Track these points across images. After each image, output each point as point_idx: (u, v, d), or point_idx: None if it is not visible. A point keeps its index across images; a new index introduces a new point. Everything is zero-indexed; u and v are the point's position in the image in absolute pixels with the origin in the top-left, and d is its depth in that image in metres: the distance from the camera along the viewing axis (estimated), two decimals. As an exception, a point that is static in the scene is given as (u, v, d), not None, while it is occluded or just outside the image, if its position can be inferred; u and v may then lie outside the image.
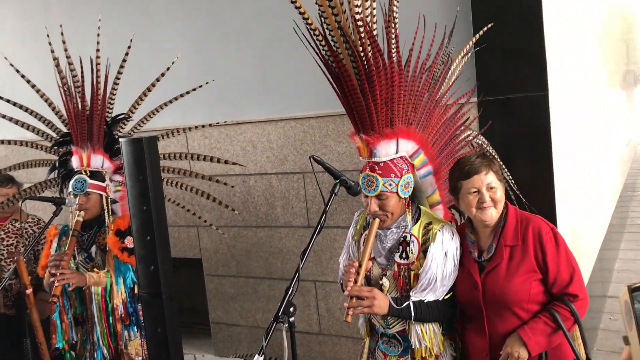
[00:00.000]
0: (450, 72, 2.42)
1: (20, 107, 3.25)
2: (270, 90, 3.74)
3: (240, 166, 3.80)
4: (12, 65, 3.28)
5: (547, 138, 2.87)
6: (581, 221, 3.76)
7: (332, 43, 2.08)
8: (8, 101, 3.26)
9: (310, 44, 2.14)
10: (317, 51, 2.14)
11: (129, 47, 3.05)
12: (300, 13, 2.06)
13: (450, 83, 2.42)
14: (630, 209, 7.52)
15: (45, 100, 3.19)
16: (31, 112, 3.23)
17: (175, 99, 3.17)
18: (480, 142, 2.57)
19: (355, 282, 2.07)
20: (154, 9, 4.05)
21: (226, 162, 3.22)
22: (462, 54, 2.53)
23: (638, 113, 11.74)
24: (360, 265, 2.09)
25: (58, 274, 2.62)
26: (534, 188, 2.89)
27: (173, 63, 3.12)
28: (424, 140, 2.25)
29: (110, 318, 2.80)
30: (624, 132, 8.07)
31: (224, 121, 3.36)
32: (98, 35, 2.94)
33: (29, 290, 2.74)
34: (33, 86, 3.20)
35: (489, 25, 2.68)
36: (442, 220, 2.21)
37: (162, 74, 3.09)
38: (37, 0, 4.57)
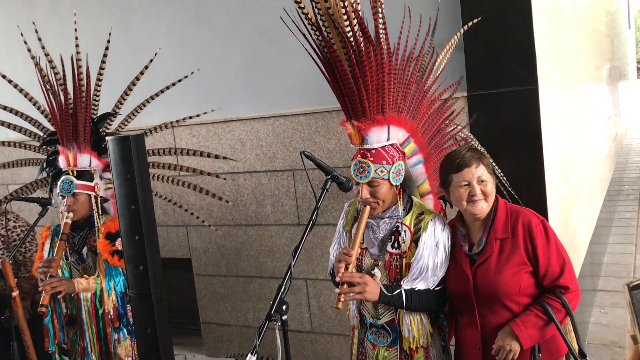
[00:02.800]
0: (437, 64, 2.42)
1: (4, 108, 3.19)
2: (258, 88, 3.71)
3: (230, 163, 3.76)
4: (4, 76, 3.22)
5: (537, 132, 2.87)
6: (571, 215, 3.77)
7: (323, 28, 2.07)
8: (5, 108, 3.21)
9: (300, 30, 2.13)
10: (309, 37, 2.13)
11: (108, 42, 2.99)
12: None
13: (437, 74, 2.41)
14: (617, 203, 7.57)
15: (30, 100, 3.13)
16: (16, 113, 3.17)
17: (159, 93, 3.11)
18: (464, 135, 2.57)
19: (346, 269, 2.06)
20: (138, 5, 4.00)
21: (217, 156, 3.18)
22: (449, 45, 2.53)
23: (623, 108, 11.84)
24: (351, 254, 2.08)
25: (45, 283, 2.58)
26: (525, 182, 2.89)
27: (156, 54, 3.07)
28: (414, 129, 2.25)
29: (101, 323, 2.76)
30: (610, 126, 8.12)
31: (212, 110, 3.31)
32: (75, 30, 2.89)
33: (15, 293, 2.69)
34: (15, 86, 3.14)
35: (476, 20, 2.68)
36: (433, 211, 2.22)
37: (146, 67, 3.03)
38: (19, -1, 4.50)
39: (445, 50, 2.52)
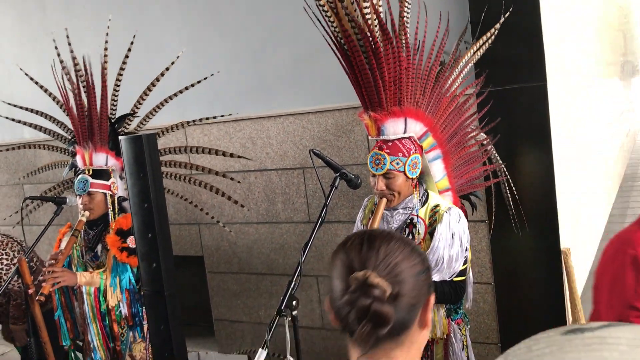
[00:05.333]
0: (462, 64, 2.43)
1: (31, 111, 3.27)
2: (268, 87, 3.74)
3: (241, 161, 3.79)
4: (22, 69, 3.29)
5: (546, 128, 2.86)
6: (582, 211, 3.76)
7: (340, 19, 2.09)
8: (27, 109, 3.31)
9: (319, 20, 2.15)
10: (327, 27, 2.15)
11: (132, 43, 3.04)
12: None
13: (460, 72, 2.41)
14: (630, 199, 7.51)
15: (53, 99, 3.18)
16: (43, 115, 3.24)
17: (177, 94, 3.16)
18: (483, 138, 2.55)
19: None
20: (151, 6, 4.04)
21: (231, 155, 3.20)
22: (476, 47, 2.53)
23: (636, 103, 11.73)
24: None
25: (47, 273, 2.61)
26: (534, 178, 2.90)
27: (178, 57, 3.11)
28: (432, 124, 2.25)
29: (107, 318, 2.79)
30: (623, 122, 8.06)
31: (229, 114, 3.35)
32: (107, 34, 2.93)
33: (32, 290, 2.74)
34: (41, 87, 3.20)
35: (496, 27, 2.68)
36: (450, 204, 2.21)
37: (167, 69, 3.07)
38: (33, 1, 4.56)
39: (474, 49, 2.52)
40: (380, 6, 2.16)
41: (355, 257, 1.06)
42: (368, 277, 1.00)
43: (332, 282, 1.09)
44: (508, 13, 2.68)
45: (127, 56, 3.02)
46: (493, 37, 2.60)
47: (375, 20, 2.08)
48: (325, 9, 2.11)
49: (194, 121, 3.23)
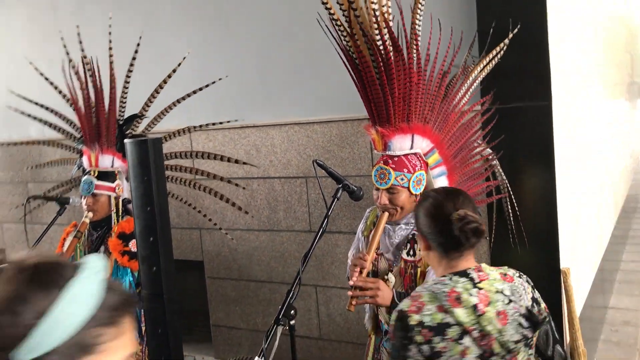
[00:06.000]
0: (470, 80, 2.44)
1: (44, 107, 3.30)
2: (274, 95, 3.76)
3: (245, 168, 3.81)
4: (36, 68, 3.32)
5: (550, 147, 2.87)
6: (583, 231, 3.76)
7: (352, 34, 2.11)
8: (36, 104, 3.34)
9: (331, 32, 2.16)
10: (338, 41, 2.16)
11: (138, 45, 3.06)
12: (322, 2, 2.08)
13: (468, 88, 2.43)
14: (633, 220, 7.50)
15: (65, 98, 3.20)
16: (54, 112, 3.27)
17: (184, 98, 3.18)
18: (488, 154, 2.56)
19: (361, 272, 2.08)
20: (160, 12, 4.08)
21: (236, 161, 3.22)
22: (484, 63, 2.54)
23: (642, 124, 11.71)
24: (366, 258, 2.10)
25: None
26: (536, 196, 2.90)
27: (184, 58, 3.14)
28: (439, 140, 2.26)
29: None
30: (628, 143, 8.06)
31: (229, 121, 3.37)
32: (110, 34, 2.96)
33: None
34: (56, 88, 3.24)
35: (506, 41, 2.70)
36: None
37: (174, 70, 3.10)
38: (44, 1, 4.60)
39: (482, 65, 2.53)
40: (391, 20, 2.17)
41: (446, 202, 1.72)
42: (467, 212, 1.67)
43: (423, 218, 1.76)
44: (517, 29, 2.70)
45: (134, 58, 3.05)
46: (502, 51, 2.61)
47: (386, 35, 2.10)
48: (338, 23, 2.12)
49: (200, 126, 3.25)
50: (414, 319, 1.62)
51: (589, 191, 4.11)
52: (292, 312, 1.85)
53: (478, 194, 2.48)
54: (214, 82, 3.19)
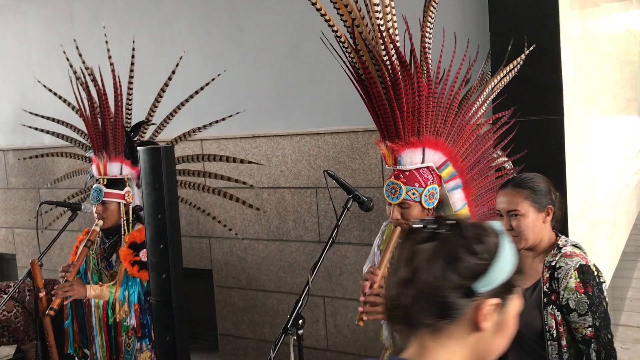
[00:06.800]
0: (486, 92, 2.43)
1: (57, 121, 3.34)
2: (286, 105, 3.78)
3: (255, 177, 3.82)
4: (40, 82, 3.37)
5: (561, 162, 2.86)
6: (593, 247, 3.73)
7: (358, 51, 2.10)
8: (48, 118, 3.39)
9: (335, 50, 2.16)
10: (344, 58, 2.16)
11: (133, 49, 3.09)
12: (325, 20, 2.09)
13: (482, 101, 2.41)
14: (644, 237, 7.42)
15: (75, 110, 3.25)
16: (61, 122, 3.31)
17: (188, 99, 3.21)
18: (508, 167, 2.53)
19: (371, 287, 2.06)
20: (175, 22, 4.12)
21: (250, 162, 3.22)
22: (501, 75, 2.53)
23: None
24: (377, 273, 2.08)
25: (57, 287, 2.65)
26: (547, 212, 2.88)
27: (181, 58, 3.17)
28: (452, 153, 2.23)
29: (112, 331, 2.80)
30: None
31: (238, 112, 3.38)
32: (107, 42, 3.00)
33: (42, 294, 2.77)
34: (60, 97, 3.27)
35: (522, 57, 2.70)
36: None
37: (173, 72, 3.14)
38: (61, 11, 4.67)
39: (498, 78, 2.51)
40: (397, 35, 2.16)
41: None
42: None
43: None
44: (532, 47, 2.70)
45: (132, 63, 3.08)
46: (519, 65, 2.60)
47: (392, 50, 2.08)
48: (342, 39, 2.11)
49: (210, 124, 3.25)
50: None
51: (600, 207, 4.08)
52: (301, 321, 1.84)
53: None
54: (218, 75, 3.19)
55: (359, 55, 2.09)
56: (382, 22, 2.07)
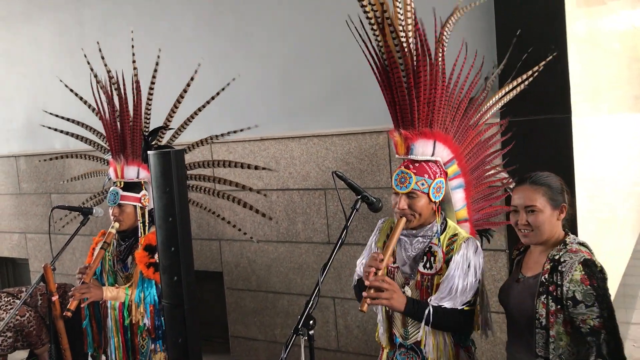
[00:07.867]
0: (493, 101, 2.45)
1: (78, 123, 3.37)
2: (294, 108, 3.80)
3: (264, 180, 3.84)
4: (63, 82, 3.39)
5: (569, 160, 2.86)
6: (602, 245, 3.72)
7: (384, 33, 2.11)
8: (62, 117, 3.43)
9: (361, 37, 2.16)
10: (368, 42, 2.17)
11: (158, 57, 3.13)
12: (358, 0, 2.09)
13: (488, 108, 2.43)
14: (655, 235, 7.37)
15: (95, 111, 3.27)
16: (84, 125, 3.35)
17: (201, 108, 3.24)
18: (504, 177, 2.53)
19: (376, 273, 2.07)
20: (182, 27, 4.16)
21: (256, 167, 3.25)
22: (510, 86, 2.54)
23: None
24: (382, 259, 2.09)
25: (74, 289, 2.69)
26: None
27: (200, 65, 3.20)
28: (459, 151, 2.27)
29: (128, 333, 2.83)
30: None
31: (255, 126, 3.40)
32: (133, 47, 3.03)
33: (55, 298, 2.80)
34: (85, 103, 3.31)
35: (534, 69, 2.70)
36: (467, 234, 2.21)
37: (192, 79, 3.19)
38: (71, 17, 4.72)
39: (506, 87, 2.53)
40: (418, 29, 2.19)
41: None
42: None
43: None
44: (550, 58, 2.69)
45: (155, 70, 3.11)
46: (527, 81, 2.59)
47: (416, 38, 2.11)
48: (372, 21, 2.12)
49: (222, 135, 3.29)
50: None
51: (610, 206, 4.07)
52: (312, 322, 1.86)
53: (492, 215, 2.46)
54: (224, 87, 3.23)
55: (385, 39, 2.09)
56: (402, 10, 2.10)
